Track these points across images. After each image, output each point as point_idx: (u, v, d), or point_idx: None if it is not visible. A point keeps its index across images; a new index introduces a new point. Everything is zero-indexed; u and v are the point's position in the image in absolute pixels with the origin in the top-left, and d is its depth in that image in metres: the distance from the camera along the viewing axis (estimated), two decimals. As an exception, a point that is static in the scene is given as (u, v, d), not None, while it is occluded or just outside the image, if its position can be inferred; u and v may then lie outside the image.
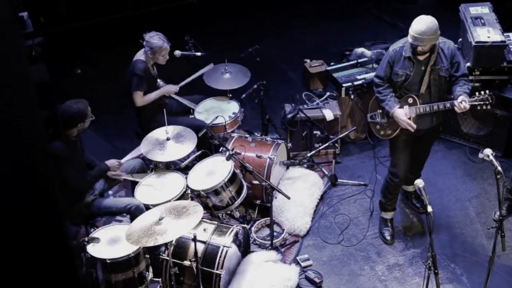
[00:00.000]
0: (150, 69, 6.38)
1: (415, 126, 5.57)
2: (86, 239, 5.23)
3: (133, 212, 5.50)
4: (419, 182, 4.72)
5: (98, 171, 5.76)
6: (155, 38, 6.24)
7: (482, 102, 5.36)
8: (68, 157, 5.39)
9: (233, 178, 5.83)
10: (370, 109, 5.97)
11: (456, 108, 5.34)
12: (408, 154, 5.84)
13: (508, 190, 6.14)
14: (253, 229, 6.20)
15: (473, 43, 6.48)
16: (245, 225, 5.93)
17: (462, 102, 5.28)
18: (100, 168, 5.76)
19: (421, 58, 5.43)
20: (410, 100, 5.57)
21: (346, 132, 6.95)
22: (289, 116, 6.93)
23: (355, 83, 7.08)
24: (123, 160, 6.06)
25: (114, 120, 7.70)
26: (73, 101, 5.50)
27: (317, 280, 5.78)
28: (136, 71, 6.26)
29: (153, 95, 6.43)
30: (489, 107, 5.41)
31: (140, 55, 6.37)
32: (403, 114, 5.57)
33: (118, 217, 5.83)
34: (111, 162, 5.80)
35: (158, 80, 6.61)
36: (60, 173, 5.33)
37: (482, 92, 5.37)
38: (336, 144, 7.06)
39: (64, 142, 5.43)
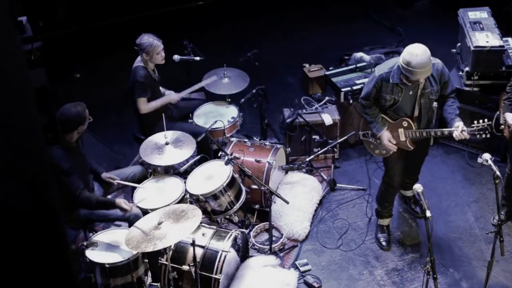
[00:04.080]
0: (151, 73, 6.39)
1: (404, 139, 5.59)
2: (85, 243, 5.23)
3: (132, 221, 5.46)
4: (418, 187, 4.73)
5: (106, 202, 5.65)
6: (144, 39, 6.28)
7: (481, 132, 5.28)
8: (69, 167, 5.37)
9: (232, 183, 5.83)
10: (361, 127, 5.95)
11: (455, 137, 5.29)
12: (402, 164, 5.83)
13: (504, 198, 6.13)
14: (252, 233, 6.20)
15: (472, 48, 6.49)
16: (244, 230, 5.93)
17: (461, 132, 5.23)
18: (110, 201, 5.64)
19: (410, 84, 5.31)
20: (405, 124, 5.56)
21: (345, 137, 6.94)
22: (288, 120, 6.93)
23: (354, 87, 7.08)
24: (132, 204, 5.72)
25: (113, 124, 7.70)
26: (71, 104, 5.49)
27: (316, 285, 5.77)
28: (138, 78, 6.27)
29: (157, 103, 6.43)
30: (488, 135, 5.33)
31: (138, 62, 6.39)
32: (387, 138, 5.60)
33: (117, 222, 5.82)
34: (119, 201, 5.60)
35: (160, 87, 6.63)
36: (59, 182, 5.31)
37: (481, 121, 5.27)
38: (335, 149, 7.06)
39: (65, 150, 5.40)
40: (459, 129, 5.24)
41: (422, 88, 5.37)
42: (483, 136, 5.30)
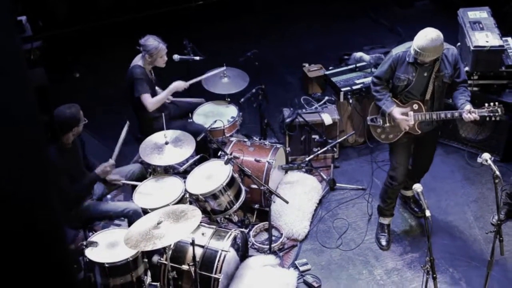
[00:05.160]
0: (148, 74, 6.38)
1: (413, 122, 5.59)
2: (85, 243, 5.23)
3: (131, 216, 5.49)
4: (418, 187, 4.73)
5: (89, 180, 5.65)
6: (149, 41, 6.25)
7: (491, 114, 5.33)
8: (63, 165, 5.37)
9: (231, 183, 5.83)
10: (370, 112, 5.94)
11: (464, 118, 5.33)
12: (408, 157, 5.85)
13: (508, 195, 6.15)
14: (251, 233, 6.20)
15: (472, 48, 6.49)
16: (243, 229, 5.93)
17: (471, 113, 5.27)
18: (90, 178, 5.65)
19: (425, 64, 5.40)
20: (415, 106, 5.56)
21: (345, 137, 6.95)
22: (288, 120, 6.94)
23: (354, 87, 7.09)
24: (113, 160, 5.75)
25: (113, 124, 7.68)
26: (65, 106, 5.47)
27: (315, 285, 5.77)
28: (136, 76, 6.25)
29: (162, 95, 6.42)
30: (498, 118, 5.38)
31: (137, 61, 6.36)
32: (399, 112, 5.59)
33: (116, 221, 5.82)
34: (100, 169, 5.63)
35: (156, 88, 6.61)
36: (53, 181, 5.29)
37: (492, 104, 5.33)
38: (335, 149, 7.06)
39: (59, 149, 5.41)
40: (466, 109, 5.28)
41: (436, 71, 5.40)
42: (493, 118, 5.35)
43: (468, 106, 5.32)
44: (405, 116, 5.59)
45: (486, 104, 5.36)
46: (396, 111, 5.60)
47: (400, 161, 5.84)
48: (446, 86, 5.53)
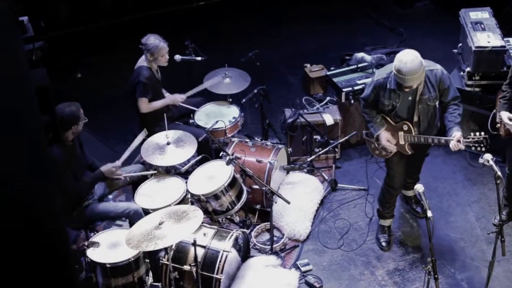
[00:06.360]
0: (154, 74, 6.40)
1: (395, 149, 5.61)
2: (86, 243, 5.23)
3: (132, 217, 5.50)
4: (419, 187, 4.72)
5: (93, 178, 5.67)
6: (150, 39, 6.28)
7: (476, 144, 5.23)
8: (65, 163, 5.37)
9: (233, 183, 5.83)
10: (365, 126, 5.95)
11: (451, 147, 5.24)
12: (404, 165, 5.83)
13: (505, 198, 6.13)
14: (253, 233, 6.20)
15: (473, 48, 6.49)
16: (245, 230, 5.92)
17: (457, 143, 5.18)
18: (95, 176, 5.66)
19: (406, 89, 5.26)
20: (405, 127, 5.54)
21: (346, 137, 6.94)
22: (289, 120, 6.93)
23: (355, 88, 7.08)
24: (120, 162, 5.79)
25: (115, 124, 7.70)
26: (65, 104, 5.47)
27: (317, 285, 5.77)
28: (141, 79, 6.27)
29: (159, 104, 6.43)
30: (483, 149, 5.23)
31: (142, 61, 6.38)
32: (386, 138, 5.59)
33: (118, 222, 5.82)
34: (106, 168, 5.66)
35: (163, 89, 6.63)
36: (56, 178, 5.29)
37: (477, 134, 5.23)
38: (336, 149, 7.06)
39: (61, 147, 5.41)
40: (455, 139, 5.20)
41: (420, 94, 5.35)
42: (478, 149, 5.24)
43: (455, 133, 5.22)
44: (390, 143, 5.60)
45: (472, 134, 5.25)
46: (383, 136, 5.61)
47: (396, 170, 5.84)
48: (434, 107, 5.48)
